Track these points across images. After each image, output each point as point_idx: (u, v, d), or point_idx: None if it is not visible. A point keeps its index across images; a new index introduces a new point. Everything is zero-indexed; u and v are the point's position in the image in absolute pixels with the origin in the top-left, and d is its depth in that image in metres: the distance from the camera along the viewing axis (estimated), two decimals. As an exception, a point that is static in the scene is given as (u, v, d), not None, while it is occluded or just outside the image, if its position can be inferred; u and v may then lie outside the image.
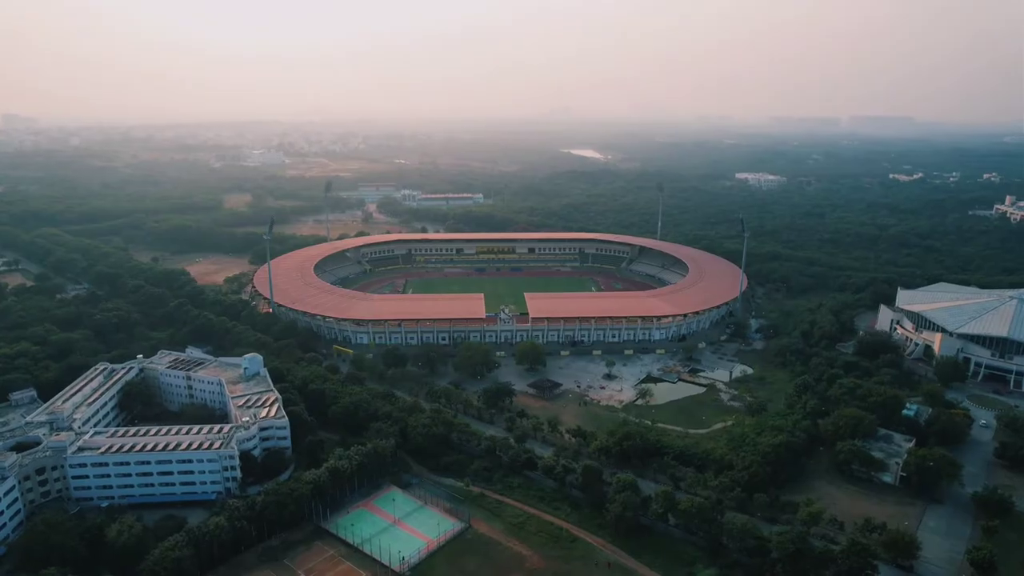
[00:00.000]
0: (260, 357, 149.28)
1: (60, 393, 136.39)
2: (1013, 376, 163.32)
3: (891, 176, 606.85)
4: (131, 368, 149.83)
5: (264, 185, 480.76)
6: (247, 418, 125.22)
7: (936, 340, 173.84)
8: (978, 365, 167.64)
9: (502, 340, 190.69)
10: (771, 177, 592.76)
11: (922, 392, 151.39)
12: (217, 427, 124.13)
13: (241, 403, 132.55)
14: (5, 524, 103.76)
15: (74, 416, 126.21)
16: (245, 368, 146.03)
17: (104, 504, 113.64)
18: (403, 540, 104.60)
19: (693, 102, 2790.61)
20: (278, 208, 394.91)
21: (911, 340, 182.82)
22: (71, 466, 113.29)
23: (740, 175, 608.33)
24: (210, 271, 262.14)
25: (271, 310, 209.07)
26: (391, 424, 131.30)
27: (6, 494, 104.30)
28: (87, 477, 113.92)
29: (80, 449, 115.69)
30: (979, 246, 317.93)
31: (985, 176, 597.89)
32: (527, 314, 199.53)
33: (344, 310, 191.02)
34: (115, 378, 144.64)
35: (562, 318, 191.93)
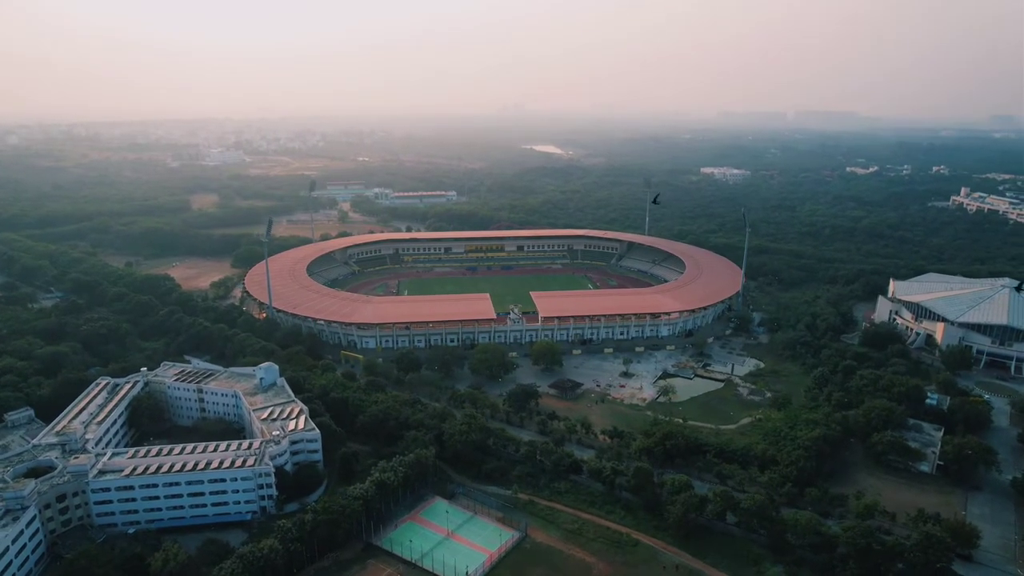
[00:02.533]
0: (276, 366, 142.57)
1: (64, 412, 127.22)
2: (1014, 362, 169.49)
3: (848, 169, 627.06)
4: (136, 382, 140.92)
5: (229, 185, 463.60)
6: (277, 431, 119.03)
7: (938, 329, 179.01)
8: (979, 352, 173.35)
9: (511, 340, 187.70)
10: (735, 171, 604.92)
11: (936, 381, 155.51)
12: (246, 443, 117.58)
13: (264, 416, 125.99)
14: (28, 558, 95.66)
15: (86, 436, 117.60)
16: (261, 378, 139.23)
17: (131, 530, 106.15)
18: (462, 553, 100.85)
19: (647, 99, 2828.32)
20: (248, 208, 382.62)
21: (912, 330, 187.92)
22: (93, 491, 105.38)
23: (705, 169, 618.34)
24: (190, 276, 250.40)
25: (265, 315, 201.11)
26: (425, 432, 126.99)
27: (28, 525, 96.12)
28: (111, 502, 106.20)
29: (101, 472, 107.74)
30: (947, 236, 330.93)
31: (935, 169, 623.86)
32: (531, 313, 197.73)
33: (349, 314, 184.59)
34: (121, 394, 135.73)
35: (572, 316, 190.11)
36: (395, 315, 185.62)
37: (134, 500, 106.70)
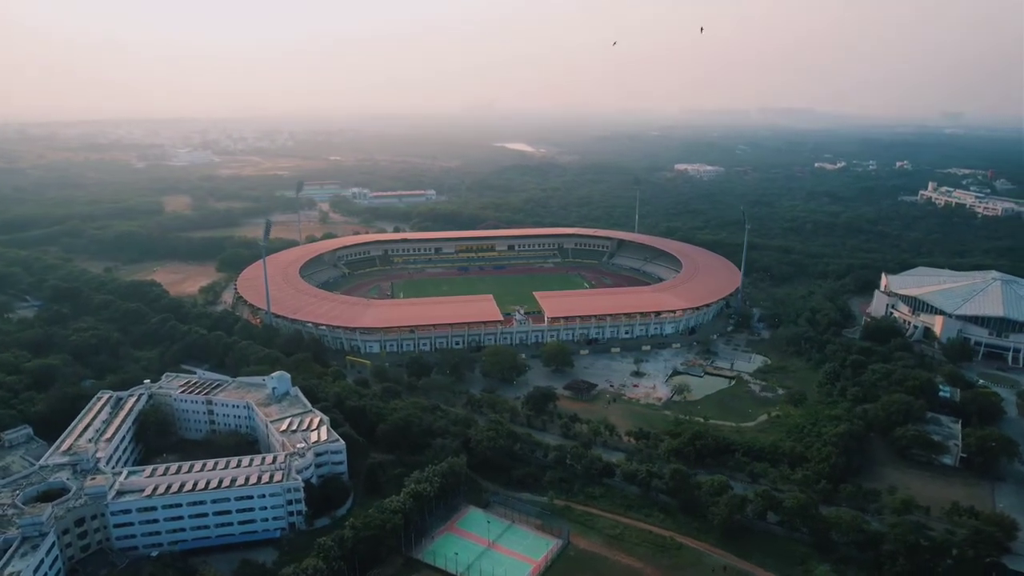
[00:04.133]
0: (287, 375, 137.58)
1: (68, 429, 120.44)
2: (1011, 353, 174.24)
3: (816, 165, 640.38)
4: (141, 395, 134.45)
5: (201, 186, 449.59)
6: (301, 444, 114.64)
7: (937, 322, 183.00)
8: (977, 344, 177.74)
9: (516, 342, 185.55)
10: (709, 168, 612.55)
11: (942, 373, 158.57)
12: (269, 457, 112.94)
13: (283, 427, 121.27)
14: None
15: (97, 455, 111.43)
16: (274, 388, 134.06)
17: (153, 553, 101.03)
18: (507, 564, 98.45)
19: (613, 97, 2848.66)
20: (225, 210, 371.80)
21: (909, 323, 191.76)
22: (113, 513, 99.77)
23: (679, 166, 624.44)
24: (174, 281, 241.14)
25: (261, 321, 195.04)
26: (452, 439, 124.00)
27: (48, 552, 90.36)
28: (132, 524, 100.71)
29: (119, 493, 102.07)
30: (922, 230, 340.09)
31: (898, 164, 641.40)
32: (534, 313, 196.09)
33: (352, 318, 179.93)
34: (126, 408, 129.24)
35: (578, 316, 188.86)
36: (400, 318, 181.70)
37: (156, 521, 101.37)
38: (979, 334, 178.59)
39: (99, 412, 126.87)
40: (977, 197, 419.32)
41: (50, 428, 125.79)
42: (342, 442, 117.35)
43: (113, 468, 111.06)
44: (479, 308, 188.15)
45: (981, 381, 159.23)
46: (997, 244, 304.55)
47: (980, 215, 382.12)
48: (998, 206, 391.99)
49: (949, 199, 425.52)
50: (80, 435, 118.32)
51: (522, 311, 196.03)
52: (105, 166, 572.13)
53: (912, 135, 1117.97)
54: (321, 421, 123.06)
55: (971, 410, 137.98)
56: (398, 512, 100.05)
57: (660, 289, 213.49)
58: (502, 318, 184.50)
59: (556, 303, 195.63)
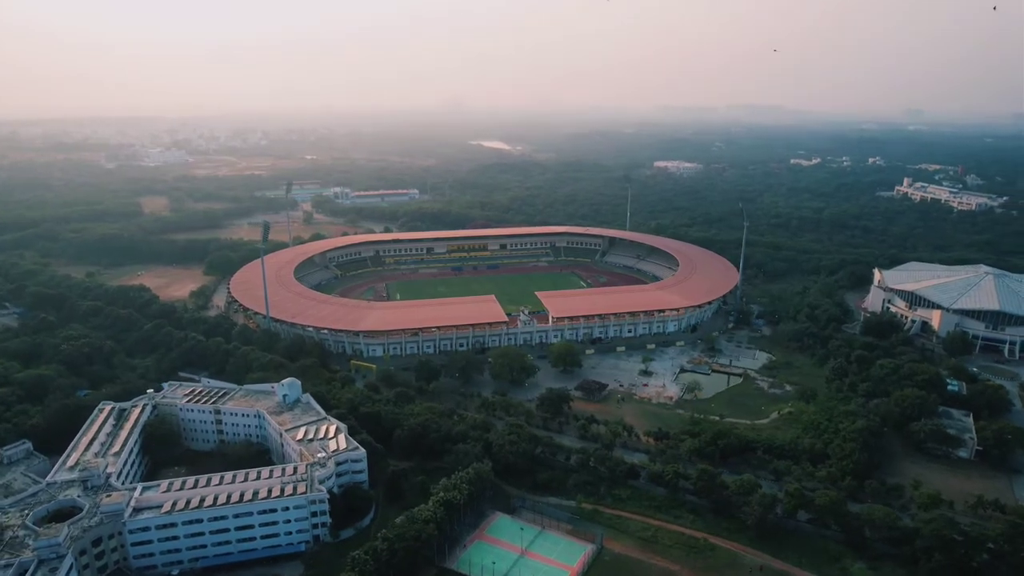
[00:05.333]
0: (298, 382, 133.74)
1: (73, 443, 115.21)
2: (1007, 346, 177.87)
3: (792, 161, 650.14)
4: (145, 406, 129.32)
5: (178, 187, 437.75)
6: (321, 453, 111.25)
7: (934, 317, 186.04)
8: (974, 337, 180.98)
9: (521, 342, 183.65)
10: (688, 164, 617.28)
11: (945, 367, 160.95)
12: (289, 467, 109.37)
13: (300, 436, 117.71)
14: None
15: (108, 470, 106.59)
16: (284, 395, 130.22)
17: (174, 572, 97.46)
18: (542, 571, 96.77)
19: (586, 94, 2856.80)
20: (205, 211, 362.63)
21: (907, 318, 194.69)
22: (131, 531, 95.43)
23: (658, 163, 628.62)
24: (160, 285, 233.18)
25: (257, 325, 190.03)
26: (474, 444, 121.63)
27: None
28: (150, 542, 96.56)
29: (135, 510, 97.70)
30: (904, 225, 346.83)
31: (871, 160, 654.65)
32: (538, 313, 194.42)
33: (355, 321, 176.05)
34: (131, 420, 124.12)
35: (583, 316, 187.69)
36: (405, 321, 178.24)
37: (176, 539, 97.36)
38: (975, 327, 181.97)
39: (103, 425, 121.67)
40: (951, 192, 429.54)
41: (49, 442, 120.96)
42: (363, 450, 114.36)
43: (128, 484, 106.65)
44: (483, 309, 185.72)
45: (983, 374, 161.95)
46: (976, 238, 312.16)
47: (956, 210, 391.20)
48: (972, 201, 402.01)
49: (925, 194, 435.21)
50: (86, 449, 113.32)
51: (526, 311, 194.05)
52: (72, 166, 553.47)
53: (878, 132, 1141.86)
54: (338, 429, 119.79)
55: (980, 403, 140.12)
56: (430, 522, 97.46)
57: (661, 287, 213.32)
58: (507, 319, 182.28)
59: (560, 303, 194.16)
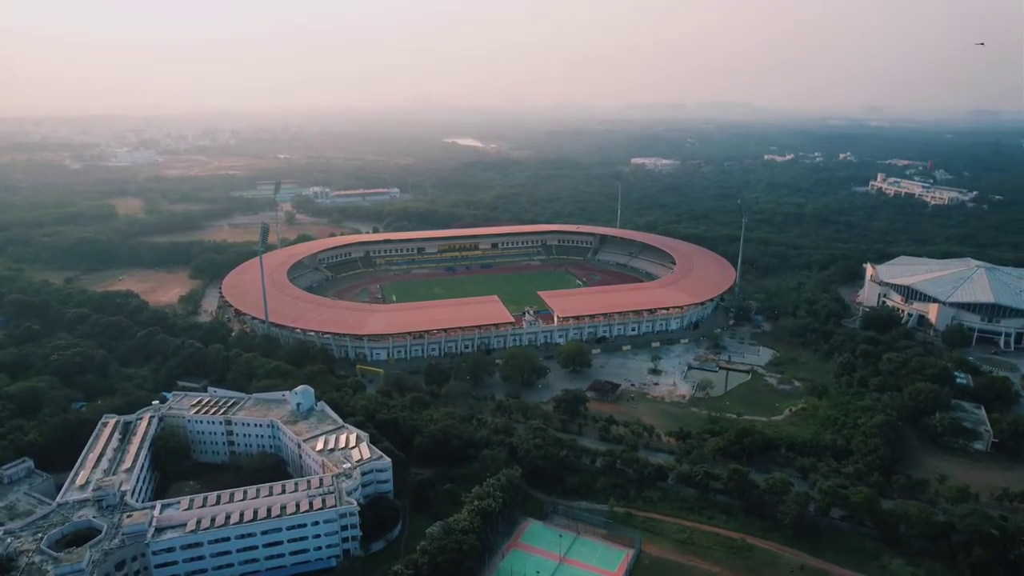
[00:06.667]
0: (311, 389, 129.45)
1: (80, 460, 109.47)
2: (1003, 337, 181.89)
3: (766, 157, 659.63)
4: (151, 418, 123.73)
5: (151, 188, 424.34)
6: (347, 464, 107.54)
7: (931, 310, 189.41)
8: (971, 330, 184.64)
9: (526, 343, 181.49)
10: (665, 161, 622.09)
11: (949, 360, 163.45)
12: (314, 479, 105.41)
13: (320, 446, 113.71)
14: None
15: (123, 488, 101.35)
16: (298, 404, 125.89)
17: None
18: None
19: (555, 92, 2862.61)
20: (184, 212, 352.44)
21: (903, 312, 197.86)
22: (155, 552, 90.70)
23: (636, 160, 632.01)
24: (144, 290, 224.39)
25: (251, 329, 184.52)
26: (499, 449, 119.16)
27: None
28: (175, 563, 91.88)
29: (158, 530, 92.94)
30: (884, 220, 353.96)
31: (842, 156, 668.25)
32: (541, 312, 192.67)
33: (358, 325, 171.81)
34: (139, 434, 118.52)
35: (587, 315, 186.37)
36: (409, 324, 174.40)
37: (202, 558, 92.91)
38: (971, 320, 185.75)
39: (109, 439, 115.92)
40: (924, 187, 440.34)
41: (50, 459, 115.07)
42: (388, 459, 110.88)
43: (146, 503, 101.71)
44: (488, 310, 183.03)
45: (984, 367, 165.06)
46: (955, 232, 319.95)
47: (930, 204, 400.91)
48: (944, 195, 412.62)
49: (899, 189, 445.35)
50: (95, 466, 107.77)
51: (532, 311, 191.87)
52: (35, 167, 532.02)
53: (843, 127, 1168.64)
54: (359, 437, 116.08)
55: (989, 395, 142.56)
56: (469, 532, 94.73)
57: (663, 285, 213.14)
58: (513, 319, 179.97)
59: (565, 302, 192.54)
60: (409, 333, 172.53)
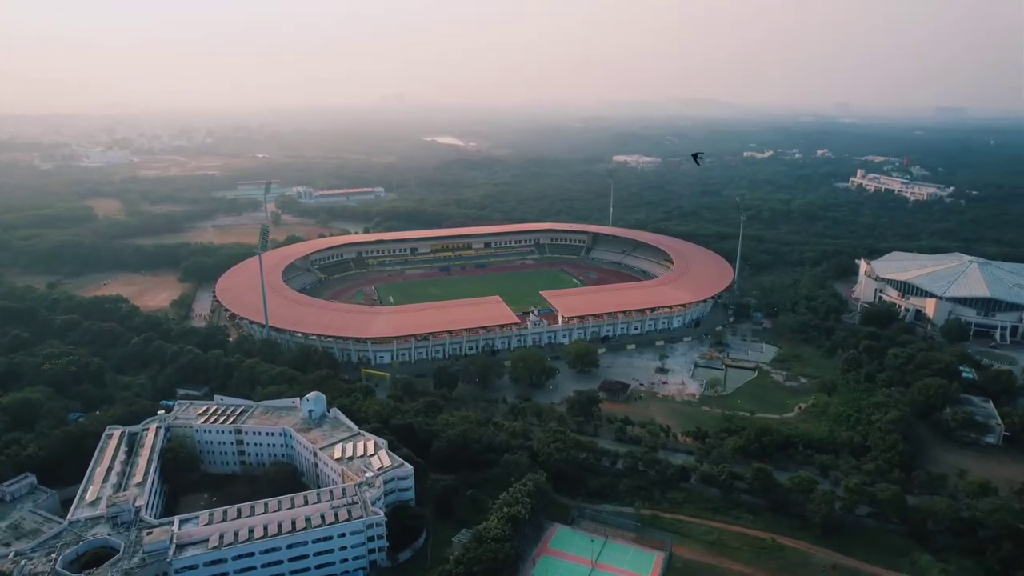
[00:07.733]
0: (323, 396, 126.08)
1: (87, 474, 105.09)
2: (999, 331, 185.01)
3: (746, 154, 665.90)
4: (158, 429, 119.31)
5: (128, 188, 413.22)
6: (369, 472, 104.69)
7: (929, 305, 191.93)
8: (967, 324, 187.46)
9: (531, 343, 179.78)
10: (647, 159, 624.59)
11: (951, 354, 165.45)
12: (337, 489, 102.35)
13: (337, 455, 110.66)
14: (121, 667, 77.14)
15: (136, 504, 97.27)
16: (310, 411, 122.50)
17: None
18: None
19: (530, 90, 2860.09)
20: (167, 214, 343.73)
21: (901, 307, 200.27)
22: (177, 571, 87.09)
23: (618, 158, 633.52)
24: (131, 294, 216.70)
25: (247, 334, 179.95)
26: (520, 453, 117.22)
27: (117, 627, 77.50)
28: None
29: (179, 547, 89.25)
30: (869, 216, 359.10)
31: (820, 152, 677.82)
32: (544, 312, 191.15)
33: (362, 328, 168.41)
34: (147, 445, 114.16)
35: (592, 315, 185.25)
36: (413, 326, 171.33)
37: (226, 575, 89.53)
38: (967, 314, 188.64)
39: (116, 452, 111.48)
40: (903, 183, 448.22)
41: (52, 474, 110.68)
42: (409, 467, 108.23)
43: (163, 519, 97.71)
44: (492, 311, 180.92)
45: (985, 360, 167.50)
46: (939, 227, 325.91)
47: (911, 200, 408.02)
48: (923, 191, 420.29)
49: (879, 185, 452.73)
50: (104, 481, 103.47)
51: (536, 311, 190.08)
52: (4, 168, 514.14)
53: (815, 124, 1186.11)
54: (377, 444, 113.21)
55: (995, 389, 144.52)
56: (503, 541, 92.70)
57: (663, 283, 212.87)
58: (517, 320, 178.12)
59: (569, 302, 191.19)
60: (414, 336, 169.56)
